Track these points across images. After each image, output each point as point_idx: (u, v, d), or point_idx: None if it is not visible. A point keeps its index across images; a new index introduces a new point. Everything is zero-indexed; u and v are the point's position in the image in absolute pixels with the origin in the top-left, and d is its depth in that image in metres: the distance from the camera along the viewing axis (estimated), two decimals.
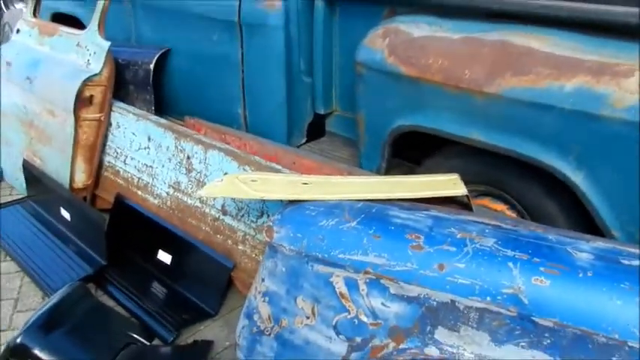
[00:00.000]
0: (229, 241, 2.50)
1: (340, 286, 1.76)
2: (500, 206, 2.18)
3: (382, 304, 1.71)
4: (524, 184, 2.05)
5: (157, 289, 2.59)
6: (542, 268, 1.54)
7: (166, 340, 2.22)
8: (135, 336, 2.20)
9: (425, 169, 2.35)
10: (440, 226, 1.76)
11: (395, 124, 2.25)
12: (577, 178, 1.82)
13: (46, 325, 2.10)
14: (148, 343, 2.19)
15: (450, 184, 2.04)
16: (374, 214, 1.85)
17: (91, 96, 3.01)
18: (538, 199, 2.03)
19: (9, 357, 2.05)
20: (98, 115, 3.06)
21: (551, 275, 1.53)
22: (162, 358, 2.09)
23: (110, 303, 2.48)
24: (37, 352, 2.01)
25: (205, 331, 2.33)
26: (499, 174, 2.11)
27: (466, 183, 2.18)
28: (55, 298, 2.23)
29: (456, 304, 1.60)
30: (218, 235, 2.54)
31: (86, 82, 2.96)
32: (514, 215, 2.16)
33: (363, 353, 1.75)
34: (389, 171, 2.43)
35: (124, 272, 2.67)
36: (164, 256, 2.69)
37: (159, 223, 2.74)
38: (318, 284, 1.80)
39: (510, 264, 1.57)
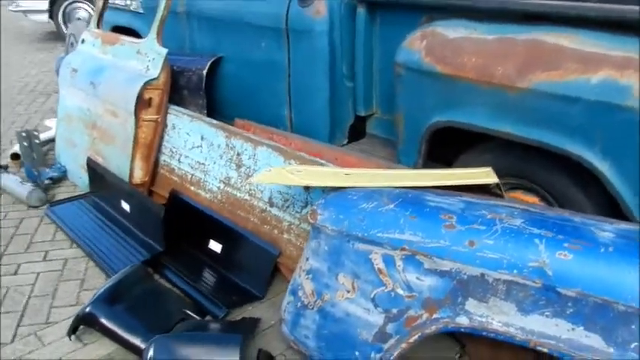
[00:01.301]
0: (275, 231, 2.69)
1: (378, 262, 1.92)
2: (532, 198, 2.31)
3: (417, 278, 1.86)
4: (554, 175, 2.17)
5: (209, 274, 2.79)
6: (565, 244, 1.68)
7: (217, 317, 2.42)
8: (189, 312, 2.40)
9: (460, 164, 2.49)
10: (471, 209, 1.90)
11: (432, 120, 2.41)
12: (603, 167, 1.94)
13: (110, 299, 2.32)
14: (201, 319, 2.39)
15: (482, 176, 2.19)
16: (410, 199, 2.01)
17: (150, 98, 3.27)
18: (567, 190, 2.15)
19: (79, 324, 2.28)
20: (156, 116, 3.31)
21: (574, 250, 1.66)
22: (213, 331, 2.27)
23: (166, 285, 2.69)
24: (103, 320, 2.24)
25: (253, 311, 2.51)
26: (529, 166, 2.24)
27: (499, 177, 2.32)
28: (118, 276, 2.46)
29: (485, 277, 1.74)
30: (265, 226, 2.74)
31: (146, 86, 3.22)
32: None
33: (399, 323, 1.90)
34: (425, 168, 2.58)
35: (178, 259, 2.88)
36: (215, 246, 2.89)
37: (210, 215, 2.95)
38: (357, 261, 1.97)
39: (536, 240, 1.71)
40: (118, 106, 3.35)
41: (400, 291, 1.90)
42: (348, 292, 2.00)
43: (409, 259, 1.86)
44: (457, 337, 2.24)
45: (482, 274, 1.75)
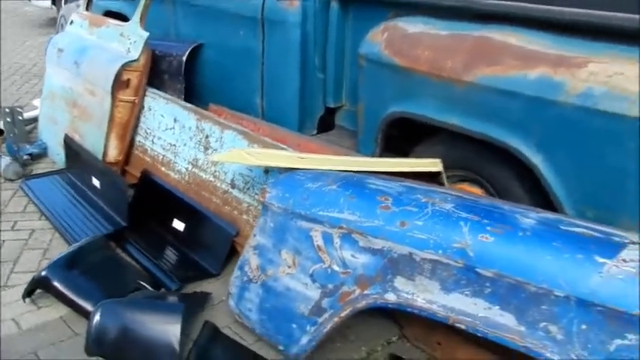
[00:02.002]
0: (235, 212, 2.77)
1: (318, 240, 2.01)
2: (476, 190, 2.39)
3: (352, 255, 1.95)
4: (496, 168, 2.26)
5: (169, 251, 2.87)
6: (488, 228, 1.76)
7: (170, 290, 2.50)
8: (143, 283, 2.48)
9: (414, 155, 2.58)
10: (408, 193, 1.99)
11: (388, 111, 2.50)
12: (537, 160, 2.02)
13: (67, 265, 2.40)
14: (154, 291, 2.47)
15: (429, 165, 2.28)
16: (353, 181, 2.10)
17: (128, 79, 3.35)
18: (507, 182, 2.23)
19: (34, 287, 2.37)
20: (133, 97, 3.40)
21: (495, 233, 1.74)
22: (164, 300, 2.35)
23: (126, 259, 2.77)
24: (57, 284, 2.32)
25: (207, 287, 2.59)
26: (474, 159, 2.33)
27: (447, 168, 2.41)
28: (78, 245, 2.55)
29: (413, 256, 1.83)
30: (226, 206, 2.82)
31: (124, 67, 3.31)
32: None
33: (334, 298, 1.99)
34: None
35: (142, 236, 2.96)
36: (178, 224, 2.98)
37: (176, 195, 3.03)
38: (299, 238, 2.06)
39: (462, 223, 1.80)
40: (96, 85, 3.44)
41: (336, 267, 1.98)
42: (290, 267, 2.09)
43: (346, 237, 1.95)
44: (396, 319, 2.32)
45: (411, 253, 1.83)
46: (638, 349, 1.53)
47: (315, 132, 3.30)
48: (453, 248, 1.76)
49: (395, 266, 1.87)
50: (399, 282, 1.87)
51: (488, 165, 2.28)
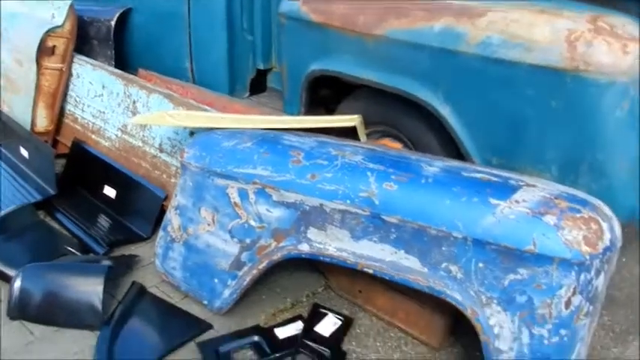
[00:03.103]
0: (164, 175, 2.78)
1: (234, 196, 2.04)
2: (396, 145, 2.45)
3: (267, 210, 1.99)
4: (412, 122, 2.32)
5: (101, 218, 2.87)
6: (393, 176, 1.83)
7: (98, 254, 2.51)
8: (69, 248, 2.49)
9: (338, 112, 2.62)
10: (320, 147, 2.03)
11: (309, 69, 2.53)
12: (445, 111, 2.09)
13: None
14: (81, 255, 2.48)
15: (345, 121, 2.32)
16: (269, 138, 2.13)
17: (54, 46, 3.28)
18: (423, 136, 2.29)
19: None
20: (60, 65, 3.33)
21: (399, 181, 1.81)
22: (89, 263, 2.35)
23: (56, 227, 2.76)
24: None
25: (136, 250, 2.61)
26: (392, 114, 2.38)
27: (369, 124, 2.47)
28: (3, 212, 2.52)
29: (324, 207, 1.88)
30: (155, 171, 2.82)
31: (49, 33, 3.23)
32: None
33: (252, 252, 2.03)
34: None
35: (73, 204, 2.94)
36: (109, 191, 2.97)
37: (107, 162, 3.02)
38: (217, 195, 2.08)
39: (369, 173, 1.85)
40: (22, 54, 3.35)
41: (253, 222, 2.03)
42: (209, 225, 2.12)
43: (260, 193, 1.99)
44: (321, 271, 2.39)
45: (321, 205, 1.89)
46: (529, 282, 1.62)
47: (247, 94, 3.30)
48: (360, 197, 1.82)
49: (307, 218, 1.92)
50: (312, 233, 1.92)
51: (405, 119, 2.33)
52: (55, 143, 3.48)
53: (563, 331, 1.64)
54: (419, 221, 1.73)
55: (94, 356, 1.95)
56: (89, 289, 2.10)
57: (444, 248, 1.72)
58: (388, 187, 1.80)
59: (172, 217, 2.23)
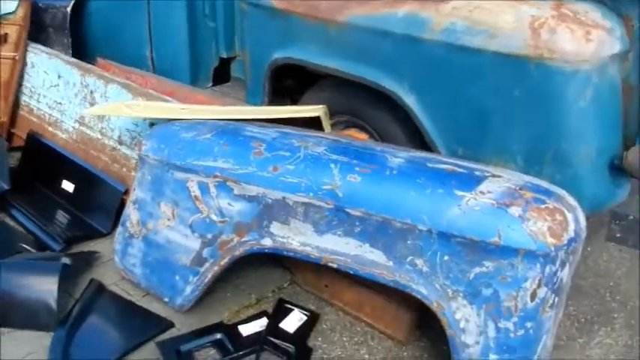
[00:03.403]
0: (124, 169, 2.68)
1: (195, 190, 1.97)
2: (363, 136, 2.41)
3: (228, 203, 1.93)
4: (378, 112, 2.27)
5: (59, 213, 2.76)
6: (357, 168, 1.78)
7: (54, 251, 2.41)
8: (25, 246, 2.39)
9: (302, 102, 2.56)
10: (283, 138, 1.97)
11: (272, 58, 2.46)
12: (409, 100, 2.05)
13: None
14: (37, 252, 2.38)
15: (309, 111, 2.26)
16: (229, 130, 2.06)
17: (6, 34, 3.13)
18: (388, 126, 2.25)
19: None
20: (13, 53, 3.18)
21: (363, 173, 1.76)
22: (45, 261, 2.26)
23: (11, 223, 2.65)
24: None
25: (96, 246, 2.51)
26: (358, 104, 2.33)
27: (334, 114, 2.41)
28: None
29: (286, 200, 1.83)
30: (115, 164, 2.72)
31: (0, 21, 3.09)
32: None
33: (213, 248, 1.97)
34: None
35: (28, 199, 2.83)
36: (67, 185, 2.86)
37: (65, 156, 2.90)
38: (176, 189, 2.01)
39: (332, 165, 1.80)
40: None
41: (214, 217, 1.96)
42: (169, 219, 2.05)
43: (221, 186, 1.92)
44: (287, 266, 2.33)
45: (284, 198, 1.83)
46: (494, 275, 1.60)
47: (210, 84, 3.21)
48: (323, 190, 1.77)
49: (270, 212, 1.86)
50: (275, 227, 1.87)
51: (370, 109, 2.29)
52: (10, 136, 3.34)
53: (528, 324, 1.63)
54: (383, 214, 1.70)
55: (48, 356, 1.87)
56: (43, 288, 2.01)
57: (409, 241, 1.69)
58: (352, 179, 1.75)
59: (131, 212, 2.15)
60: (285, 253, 1.86)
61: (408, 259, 1.70)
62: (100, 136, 2.80)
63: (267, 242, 1.88)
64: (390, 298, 1.99)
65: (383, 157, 1.85)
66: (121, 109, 2.26)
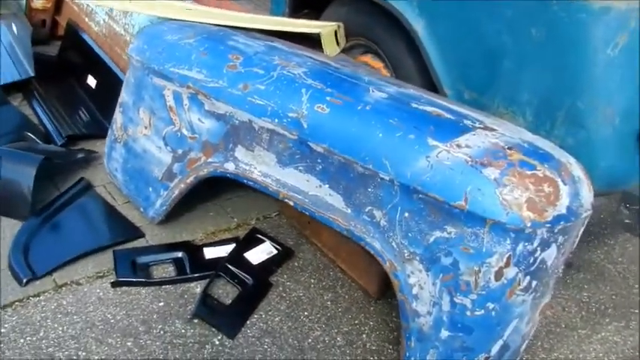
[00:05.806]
0: None
1: (170, 100, 1.84)
2: (378, 64, 2.14)
3: (199, 119, 1.78)
4: (390, 38, 1.98)
5: (78, 107, 2.76)
6: (328, 98, 1.55)
7: (56, 144, 2.40)
8: (29, 134, 2.39)
9: (324, 17, 2.30)
10: (266, 54, 1.76)
11: None
12: (418, 26, 1.74)
13: None
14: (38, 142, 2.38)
15: (314, 28, 2.02)
16: (216, 36, 1.87)
17: None
18: (401, 57, 1.96)
19: None
20: None
21: (333, 104, 1.54)
22: (47, 151, 2.24)
23: (29, 112, 2.67)
24: None
25: (101, 146, 2.48)
26: (373, 25, 2.05)
27: (350, 35, 2.15)
28: None
29: (253, 124, 1.65)
30: None
31: None
32: (387, 74, 2.11)
33: (183, 164, 1.85)
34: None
35: (55, 90, 2.84)
36: (91, 81, 2.83)
37: (94, 50, 2.86)
38: (154, 96, 1.88)
39: (303, 90, 1.58)
40: None
41: (185, 131, 1.83)
42: (146, 128, 1.94)
43: (193, 99, 1.77)
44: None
45: (250, 121, 1.65)
46: (456, 243, 1.36)
47: None
48: (288, 118, 1.57)
49: (236, 134, 1.70)
50: (240, 152, 1.71)
51: (384, 34, 2.00)
52: (55, 24, 3.34)
53: (490, 305, 1.39)
54: (346, 154, 1.48)
55: (11, 243, 1.87)
56: (20, 178, 2.00)
57: (369, 189, 1.47)
58: (319, 109, 1.53)
59: (117, 115, 2.07)
60: (245, 181, 1.70)
61: (366, 209, 1.49)
62: (123, 32, 2.71)
63: (230, 167, 1.73)
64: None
65: (365, 88, 1.59)
66: (125, 4, 2.13)
